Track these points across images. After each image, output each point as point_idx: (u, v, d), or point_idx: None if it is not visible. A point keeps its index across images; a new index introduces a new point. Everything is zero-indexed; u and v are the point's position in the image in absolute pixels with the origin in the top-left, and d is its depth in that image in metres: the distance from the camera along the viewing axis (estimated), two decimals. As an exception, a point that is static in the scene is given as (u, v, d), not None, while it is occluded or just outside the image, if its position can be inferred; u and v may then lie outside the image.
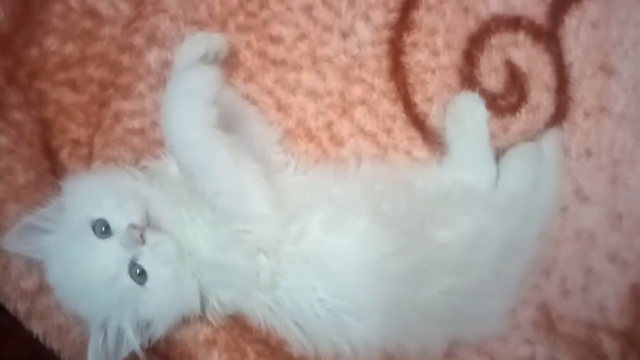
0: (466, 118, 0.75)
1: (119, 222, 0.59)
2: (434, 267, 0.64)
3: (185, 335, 0.68)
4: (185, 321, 0.66)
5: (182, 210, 0.63)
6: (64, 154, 0.73)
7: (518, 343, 0.75)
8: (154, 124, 0.72)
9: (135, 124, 0.72)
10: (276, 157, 0.72)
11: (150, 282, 0.60)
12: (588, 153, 0.79)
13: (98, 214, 0.60)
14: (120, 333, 0.61)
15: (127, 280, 0.59)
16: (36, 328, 0.65)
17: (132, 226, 0.58)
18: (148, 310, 0.61)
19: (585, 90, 0.80)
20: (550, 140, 0.78)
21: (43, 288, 0.64)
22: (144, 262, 0.59)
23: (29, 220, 0.62)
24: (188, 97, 0.58)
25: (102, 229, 0.59)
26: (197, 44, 0.70)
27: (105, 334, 0.60)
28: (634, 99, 0.79)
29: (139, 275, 0.59)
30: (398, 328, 0.64)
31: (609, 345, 0.76)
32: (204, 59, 0.70)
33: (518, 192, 0.72)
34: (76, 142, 0.74)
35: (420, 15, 0.79)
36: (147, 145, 0.71)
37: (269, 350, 0.70)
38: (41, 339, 0.65)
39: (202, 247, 0.62)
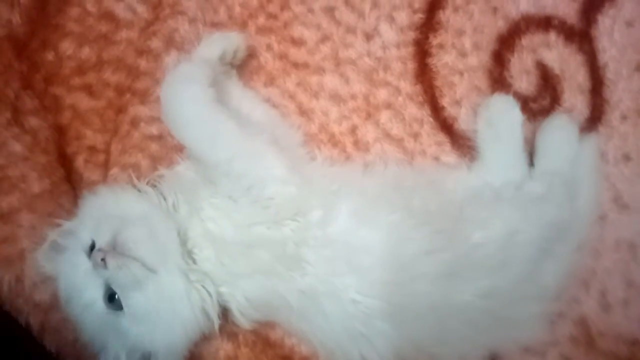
0: (500, 121, 0.71)
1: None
2: (469, 269, 0.61)
3: (204, 351, 0.65)
4: (205, 337, 0.62)
5: (199, 203, 0.61)
6: (79, 161, 0.71)
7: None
8: (173, 129, 0.70)
9: (154, 129, 0.70)
10: (302, 153, 0.70)
11: (126, 309, 0.57)
12: (627, 158, 0.75)
13: (90, 236, 0.58)
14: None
15: (102, 306, 0.57)
16: (49, 343, 0.62)
17: (98, 249, 0.56)
18: (138, 340, 0.57)
19: (621, 91, 0.76)
20: (586, 145, 0.74)
21: (58, 301, 0.61)
22: (115, 287, 0.56)
23: (54, 237, 0.60)
24: (185, 81, 0.60)
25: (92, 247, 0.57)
26: (214, 44, 0.67)
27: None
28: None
29: (112, 300, 0.57)
30: (433, 334, 0.61)
31: (653, 363, 0.71)
32: (222, 59, 0.68)
33: (557, 169, 0.69)
34: (92, 149, 0.71)
35: (446, 15, 0.77)
36: (165, 151, 0.69)
37: (294, 367, 0.66)
38: (55, 355, 0.62)
39: (225, 231, 0.59)
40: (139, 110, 0.70)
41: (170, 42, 0.72)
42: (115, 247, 0.56)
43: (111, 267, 0.55)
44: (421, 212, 0.62)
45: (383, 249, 0.59)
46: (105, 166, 0.69)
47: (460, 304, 0.60)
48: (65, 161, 0.70)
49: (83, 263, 0.57)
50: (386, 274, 0.59)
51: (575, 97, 0.76)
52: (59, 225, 0.61)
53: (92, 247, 0.58)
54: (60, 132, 0.70)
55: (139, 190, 0.63)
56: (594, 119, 0.76)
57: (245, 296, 0.61)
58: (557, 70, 0.77)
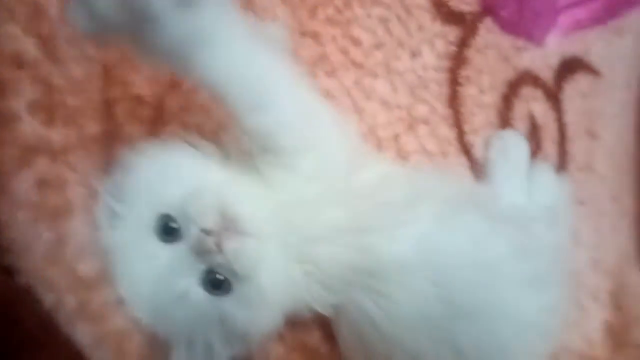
0: (511, 153, 0.81)
1: (187, 224, 0.47)
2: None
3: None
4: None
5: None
6: (121, 110, 0.57)
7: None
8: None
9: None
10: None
11: (236, 293, 0.48)
12: (580, 203, 0.92)
13: (162, 209, 0.48)
14: (208, 351, 0.48)
15: (201, 295, 0.47)
16: (82, 333, 0.45)
17: (205, 232, 0.47)
18: (240, 325, 0.48)
19: (577, 148, 0.94)
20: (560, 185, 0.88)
21: (105, 277, 0.46)
22: (226, 273, 0.47)
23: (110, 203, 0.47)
24: None
25: (168, 229, 0.47)
26: None
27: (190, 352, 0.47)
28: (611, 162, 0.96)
29: (218, 286, 0.47)
30: None
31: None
32: None
33: (542, 203, 0.79)
34: (139, 100, 0.58)
35: (471, 53, 0.85)
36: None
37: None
38: (87, 349, 0.45)
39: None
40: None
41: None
42: (226, 227, 0.46)
43: (229, 251, 0.45)
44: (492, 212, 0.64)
45: (465, 251, 0.58)
46: (154, 122, 0.57)
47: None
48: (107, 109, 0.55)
49: (160, 251, 0.46)
50: (468, 274, 0.58)
51: (550, 146, 0.91)
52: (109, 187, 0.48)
53: (165, 227, 0.47)
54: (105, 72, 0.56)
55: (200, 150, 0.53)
56: (561, 167, 0.92)
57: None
58: (540, 121, 0.91)
